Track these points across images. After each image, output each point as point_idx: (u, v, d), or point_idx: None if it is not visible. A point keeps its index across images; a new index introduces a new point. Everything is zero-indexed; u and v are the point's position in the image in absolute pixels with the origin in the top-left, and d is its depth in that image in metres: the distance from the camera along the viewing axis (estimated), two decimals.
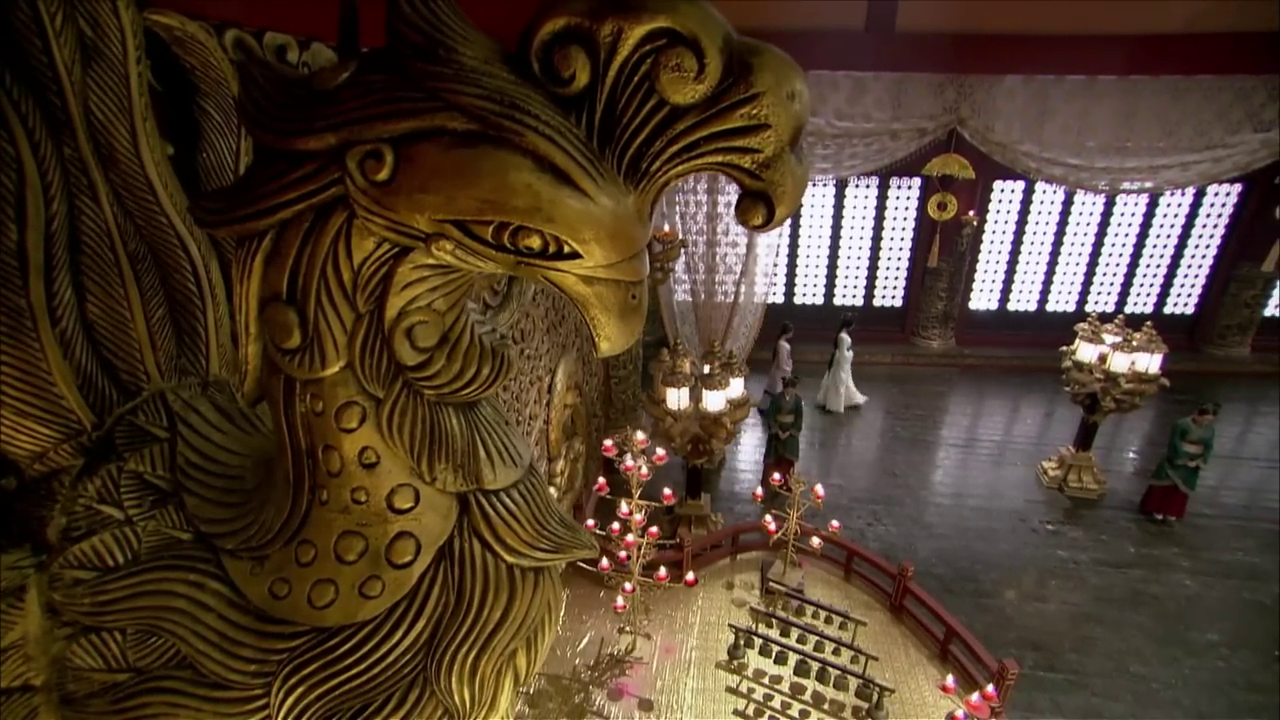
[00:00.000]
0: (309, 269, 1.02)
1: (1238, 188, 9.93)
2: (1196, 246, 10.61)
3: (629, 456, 3.99)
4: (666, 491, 4.05)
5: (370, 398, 1.13)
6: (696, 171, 0.96)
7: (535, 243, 0.94)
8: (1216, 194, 10.13)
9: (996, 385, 10.14)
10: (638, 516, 4.03)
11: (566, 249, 0.95)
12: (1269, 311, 10.70)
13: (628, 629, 4.56)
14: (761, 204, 0.94)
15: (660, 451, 4.15)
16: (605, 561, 4.21)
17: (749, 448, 7.96)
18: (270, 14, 1.69)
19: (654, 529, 4.09)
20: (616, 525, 4.10)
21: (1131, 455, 8.22)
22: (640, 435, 4.07)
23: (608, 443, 4.19)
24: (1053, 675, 5.02)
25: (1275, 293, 10.60)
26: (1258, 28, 5.02)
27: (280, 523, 1.22)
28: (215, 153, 1.43)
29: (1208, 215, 10.36)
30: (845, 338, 8.90)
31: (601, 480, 4.34)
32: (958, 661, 4.33)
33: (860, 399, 9.14)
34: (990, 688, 3.68)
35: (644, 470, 4.01)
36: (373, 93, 0.91)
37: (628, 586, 4.15)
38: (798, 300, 11.19)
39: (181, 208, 1.37)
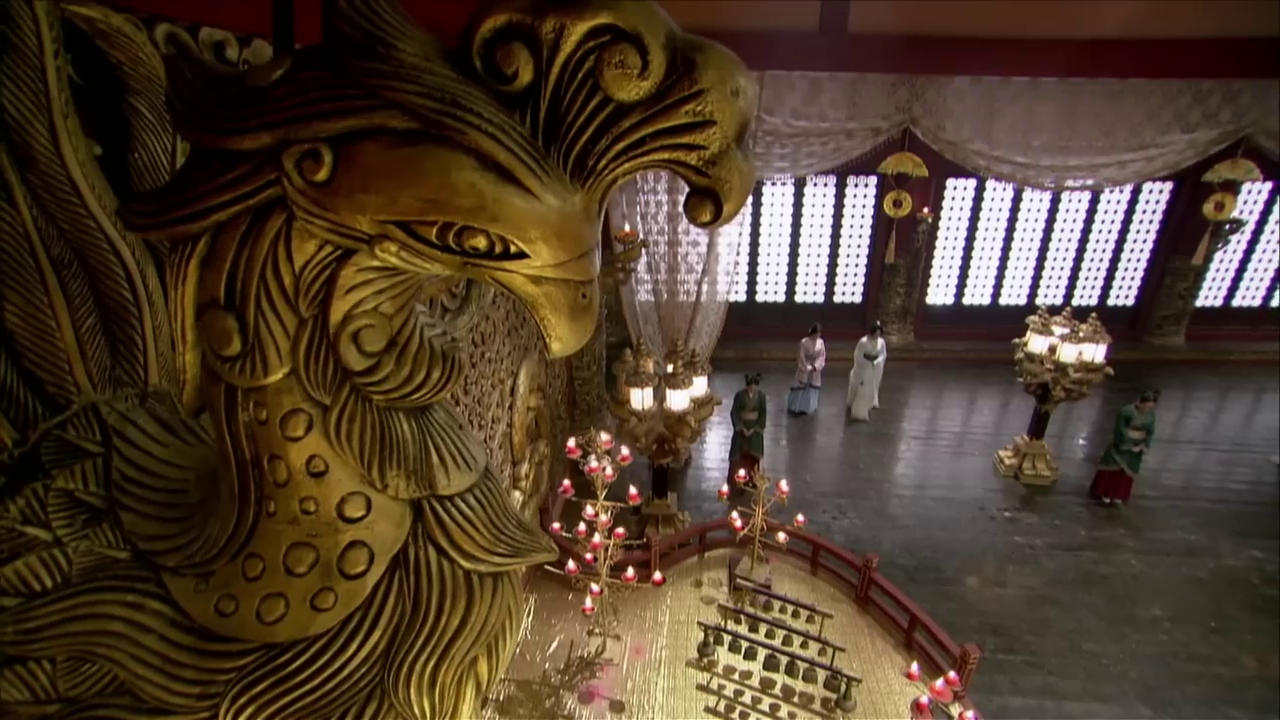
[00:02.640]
0: (247, 273, 0.99)
1: (1170, 185, 10.44)
2: (1134, 241, 11.11)
3: (593, 458, 3.97)
4: (632, 491, 4.05)
5: (316, 405, 1.10)
6: (644, 169, 0.96)
7: (481, 243, 0.93)
8: (1151, 191, 10.63)
9: (954, 378, 10.43)
10: (603, 518, 4.02)
11: (513, 249, 0.94)
12: (1200, 302, 11.26)
13: (597, 631, 4.54)
14: (709, 201, 0.95)
15: (625, 452, 4.14)
16: (572, 564, 4.18)
17: (715, 446, 8.01)
18: (207, 8, 1.63)
19: (620, 530, 4.08)
20: (583, 527, 4.08)
21: (1081, 442, 8.55)
22: (604, 436, 4.06)
23: (571, 444, 4.17)
24: (1012, 657, 5.18)
25: (1205, 284, 11.17)
26: (1184, 34, 5.30)
27: (226, 536, 1.18)
28: (148, 152, 1.37)
29: (1144, 211, 10.86)
30: (880, 342, 8.58)
31: (566, 482, 4.32)
32: (922, 649, 4.43)
33: (863, 415, 8.92)
34: (953, 673, 3.78)
35: (609, 471, 4.00)
36: (309, 90, 0.89)
37: (595, 588, 4.13)
38: (759, 298, 11.32)
39: (111, 210, 1.31)
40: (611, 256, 6.32)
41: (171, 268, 1.01)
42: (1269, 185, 10.31)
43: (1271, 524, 6.78)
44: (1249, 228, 10.74)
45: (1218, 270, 11.18)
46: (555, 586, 4.90)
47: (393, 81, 0.87)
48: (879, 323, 8.74)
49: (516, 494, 4.87)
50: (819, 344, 8.40)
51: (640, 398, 5.08)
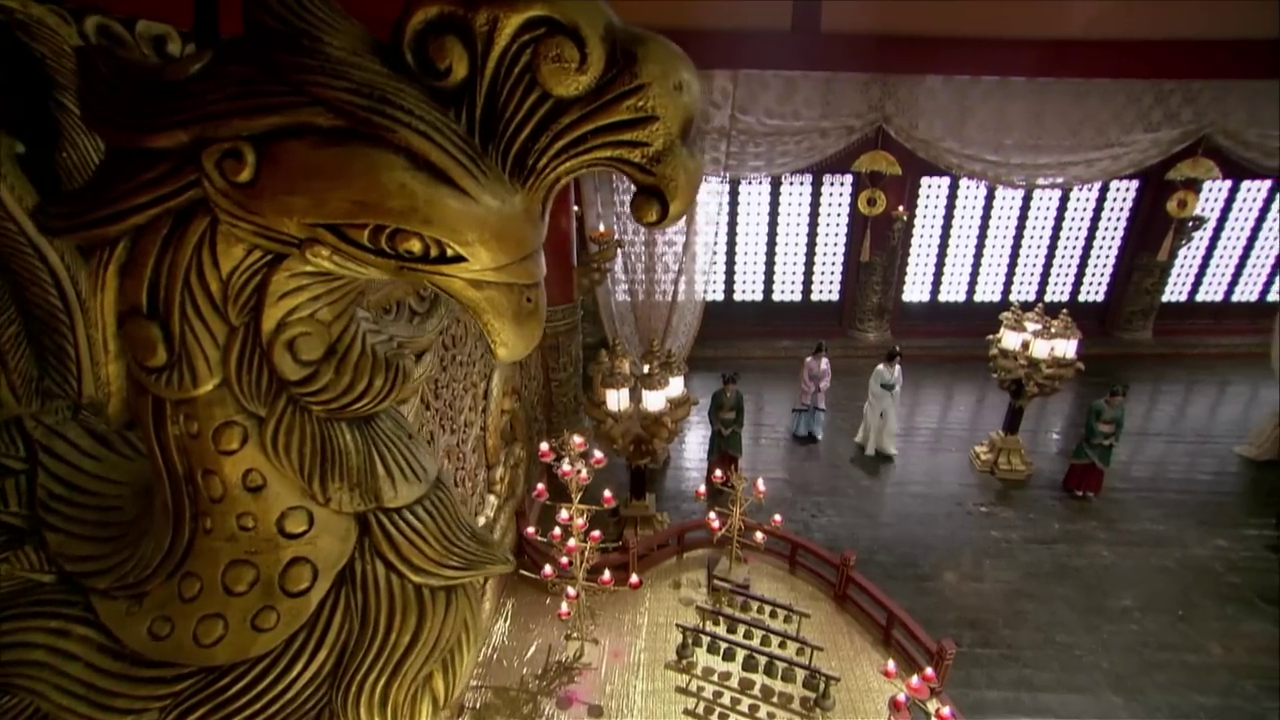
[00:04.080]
0: (170, 280, 0.93)
1: (1135, 183, 10.67)
2: (1103, 238, 11.33)
3: (566, 461, 3.93)
4: (607, 495, 4.01)
5: (251, 416, 1.05)
6: (587, 167, 0.92)
7: (415, 246, 0.89)
8: (1118, 189, 10.85)
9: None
10: (579, 521, 3.97)
11: (450, 252, 0.90)
12: (1166, 297, 11.52)
13: (575, 635, 4.50)
14: (655, 200, 0.92)
15: (599, 454, 4.10)
16: (548, 569, 4.13)
17: (694, 446, 8.00)
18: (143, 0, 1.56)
19: (596, 533, 4.04)
20: (558, 531, 4.03)
21: (1054, 436, 8.67)
22: (578, 439, 4.02)
23: (544, 447, 4.12)
24: (988, 651, 5.22)
25: (1170, 280, 11.43)
26: (1145, 36, 5.40)
27: (160, 556, 1.12)
28: (78, 151, 1.31)
29: (1111, 209, 11.08)
30: (898, 369, 7.70)
31: (540, 486, 4.27)
32: (900, 645, 4.45)
33: (893, 449, 7.92)
34: (929, 670, 3.79)
35: (583, 474, 3.96)
36: (229, 86, 0.84)
37: (571, 592, 4.09)
38: (738, 297, 11.36)
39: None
40: (587, 257, 6.27)
41: (90, 274, 0.96)
42: (1228, 183, 10.60)
43: (1235, 513, 6.94)
44: (1211, 225, 11.01)
45: (1182, 266, 11.45)
46: (532, 591, 4.85)
47: (318, 77, 0.83)
48: (898, 349, 7.79)
49: (492, 498, 4.81)
50: (824, 363, 7.78)
51: (616, 399, 5.04)
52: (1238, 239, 11.36)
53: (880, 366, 7.70)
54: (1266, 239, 11.30)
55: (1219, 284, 11.77)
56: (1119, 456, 7.33)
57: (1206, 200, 10.55)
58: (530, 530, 4.32)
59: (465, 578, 1.28)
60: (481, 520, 4.59)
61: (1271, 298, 11.16)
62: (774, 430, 8.69)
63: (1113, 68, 5.69)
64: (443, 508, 1.27)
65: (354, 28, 0.87)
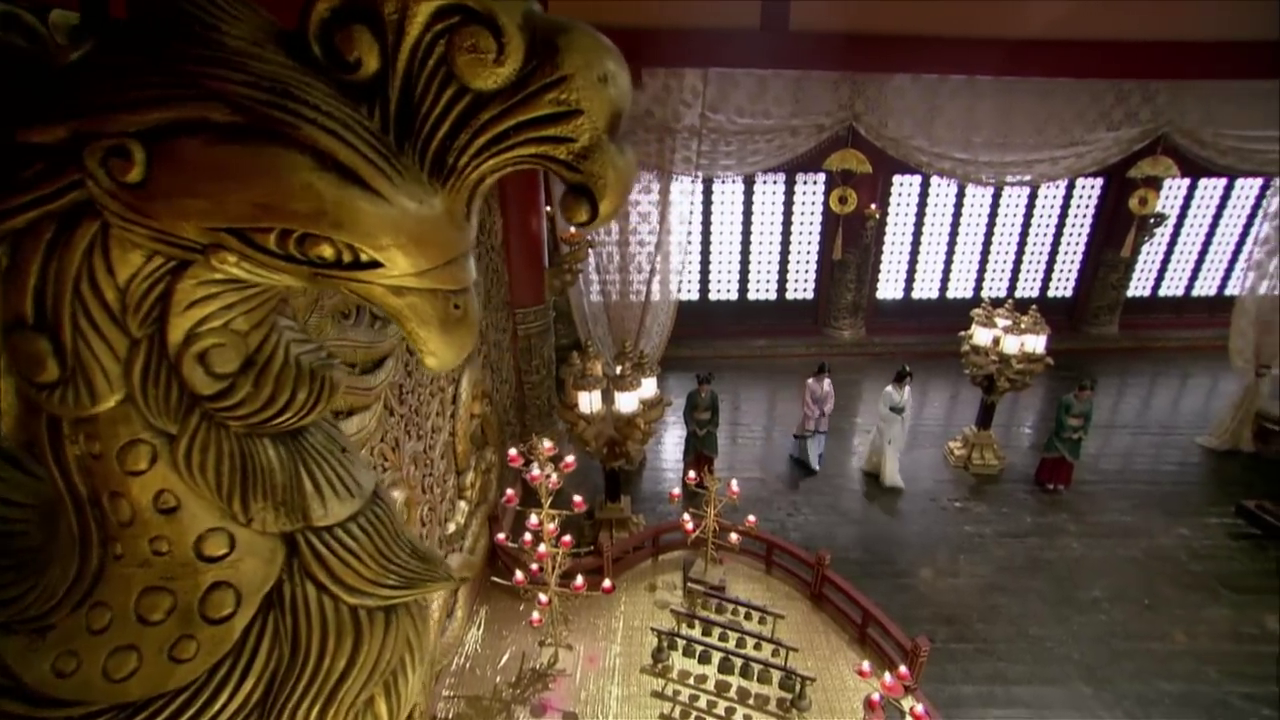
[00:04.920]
0: (58, 289, 0.86)
1: (1099, 181, 10.89)
2: (1070, 235, 11.54)
3: (535, 466, 3.87)
4: (576, 499, 3.95)
5: (160, 434, 0.98)
6: (513, 166, 0.87)
7: (327, 251, 0.83)
8: (1083, 187, 11.06)
9: None
10: (550, 526, 3.91)
11: (364, 257, 0.84)
12: (1130, 293, 11.78)
13: (549, 641, 4.44)
14: (584, 198, 0.87)
15: (569, 458, 4.04)
16: (520, 575, 4.06)
17: (671, 446, 7.96)
18: None
19: (567, 538, 3.98)
20: (528, 537, 3.97)
21: (1026, 430, 8.80)
22: (547, 443, 3.96)
23: (513, 452, 4.05)
24: (963, 646, 5.26)
25: (1134, 276, 11.69)
26: (1105, 36, 5.51)
27: (67, 585, 1.05)
28: None
29: (1077, 206, 11.29)
30: (908, 391, 7.12)
31: (510, 492, 4.19)
32: (876, 644, 4.46)
33: (898, 482, 7.25)
34: (903, 668, 3.80)
35: (553, 479, 3.89)
36: (112, 76, 0.77)
37: (543, 599, 4.03)
38: (713, 297, 11.35)
39: None
40: (559, 258, 6.21)
41: None
42: (1187, 181, 10.87)
43: (1197, 502, 7.10)
44: (1171, 221, 11.28)
45: (1145, 262, 11.71)
46: (506, 598, 4.78)
47: (213, 68, 0.76)
48: (907, 369, 7.12)
49: (462, 504, 4.72)
50: (826, 384, 7.17)
51: (588, 401, 4.99)
52: (1196, 235, 11.65)
53: (889, 388, 7.08)
54: (1223, 235, 11.61)
55: (1180, 279, 12.06)
56: (1088, 449, 7.46)
57: (1166, 198, 10.81)
58: (501, 536, 4.25)
59: (405, 596, 1.22)
60: (452, 527, 4.51)
61: (1229, 292, 11.45)
62: (750, 429, 8.70)
63: (1075, 67, 5.78)
64: (380, 524, 1.21)
65: (255, 16, 0.81)
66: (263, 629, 1.10)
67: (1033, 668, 5.07)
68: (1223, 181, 11.03)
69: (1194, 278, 12.03)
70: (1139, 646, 5.26)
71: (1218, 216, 11.47)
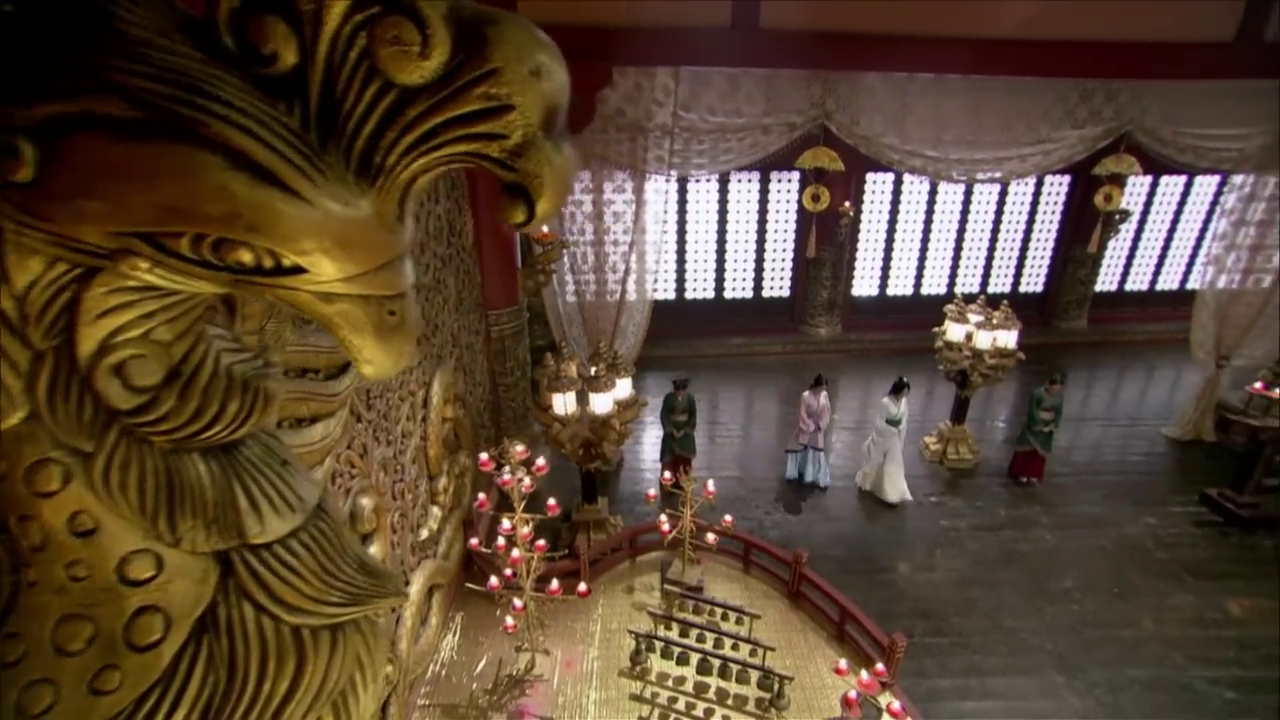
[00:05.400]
0: None
1: (1067, 178, 11.11)
2: (1040, 231, 11.74)
3: (507, 470, 3.81)
4: (550, 502, 3.90)
5: (74, 453, 0.92)
6: (445, 165, 0.83)
7: (246, 257, 0.78)
8: (1051, 184, 11.27)
9: (882, 368, 10.70)
10: (524, 530, 3.86)
11: (286, 262, 0.79)
12: (1098, 287, 12.03)
13: (525, 647, 4.39)
14: (520, 198, 0.83)
15: (540, 462, 3.99)
16: (494, 581, 4.00)
17: (649, 446, 7.94)
18: None
19: (541, 542, 3.93)
20: (502, 541, 3.91)
21: (1000, 424, 8.93)
22: (519, 447, 3.90)
23: (484, 457, 3.99)
24: (939, 640, 5.31)
25: (1101, 271, 11.94)
26: (1070, 36, 5.61)
27: None
28: None
29: (1046, 203, 11.50)
30: (905, 403, 6.84)
31: (482, 496, 4.13)
32: (854, 641, 4.47)
33: (894, 497, 6.88)
34: (880, 665, 3.82)
35: (526, 482, 3.84)
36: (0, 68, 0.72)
37: (517, 604, 3.97)
38: (689, 295, 11.35)
39: None
40: (532, 259, 6.14)
41: None
42: (1149, 178, 11.15)
43: (1163, 492, 7.27)
44: (1135, 218, 11.54)
45: (1111, 257, 11.97)
46: (482, 603, 4.71)
47: (112, 60, 0.71)
48: (904, 380, 6.86)
49: (435, 509, 4.64)
50: (823, 397, 6.83)
51: (563, 403, 4.93)
52: (1159, 231, 11.95)
53: (885, 399, 6.82)
54: (1184, 230, 11.92)
55: (1144, 274, 12.36)
56: (1059, 442, 7.59)
57: (1130, 195, 11.05)
58: (475, 541, 4.18)
59: (351, 614, 1.17)
60: (424, 533, 4.43)
61: (1190, 286, 11.75)
62: (727, 428, 8.71)
63: (1040, 66, 5.87)
64: (324, 539, 1.15)
65: (161, 3, 0.76)
66: (195, 654, 1.04)
67: (1007, 659, 5.14)
68: (1183, 178, 11.32)
69: (1157, 272, 12.33)
70: (1109, 635, 5.36)
71: (1179, 212, 11.77)
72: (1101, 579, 5.96)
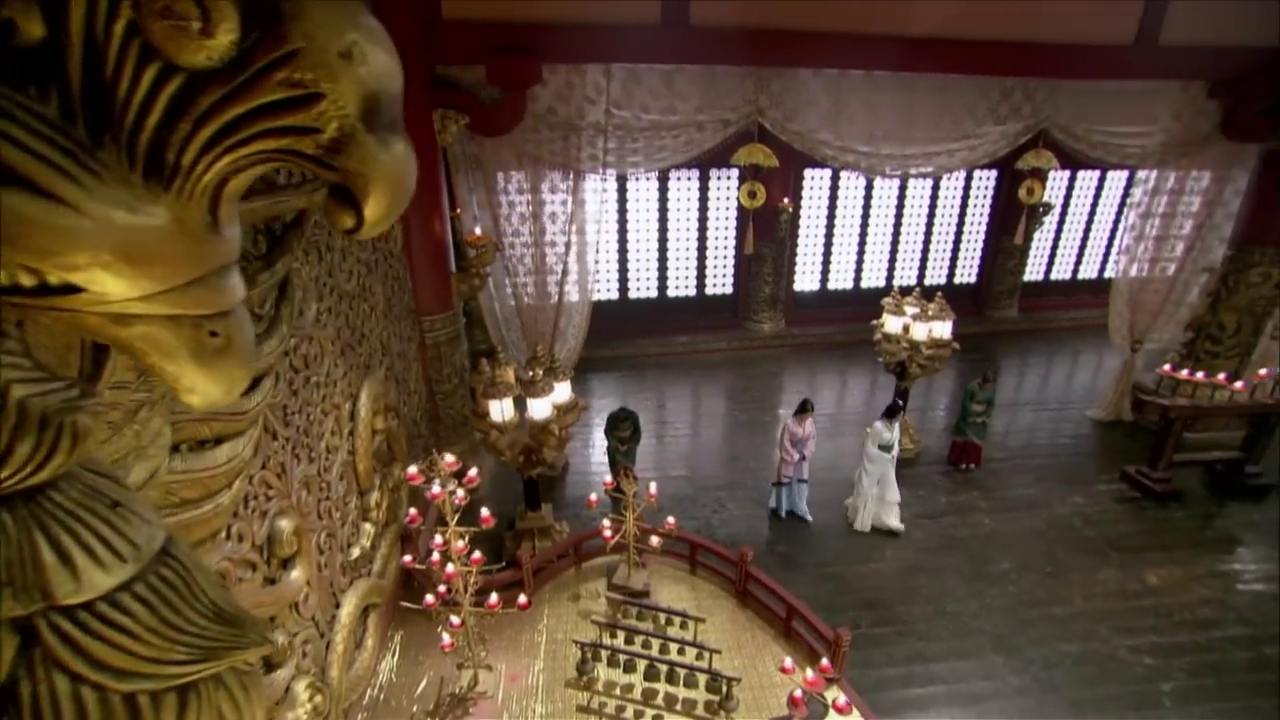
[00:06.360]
0: None
1: (994, 173, 11.56)
2: (971, 224, 12.19)
3: (436, 483, 3.65)
4: (484, 513, 3.76)
5: None
6: (259, 164, 0.72)
7: None
8: (980, 178, 11.72)
9: (825, 361, 10.92)
10: (459, 543, 3.70)
11: (54, 280, 0.66)
12: (1027, 277, 12.58)
13: (467, 664, 4.23)
14: (346, 201, 0.72)
15: (473, 472, 3.84)
16: (430, 598, 3.84)
17: (598, 449, 7.83)
18: None
19: (477, 555, 3.78)
20: (436, 557, 3.75)
21: (940, 413, 9.19)
22: (449, 458, 3.74)
23: (412, 470, 3.81)
24: (885, 629, 5.40)
25: (1029, 262, 12.48)
26: (989, 36, 5.81)
27: None
28: None
29: (976, 197, 11.95)
30: (898, 427, 6.44)
31: (413, 511, 3.96)
32: (800, 637, 4.48)
33: (897, 523, 6.49)
34: (825, 661, 3.82)
35: (459, 494, 3.69)
36: None
37: (455, 621, 3.82)
38: (632, 295, 11.29)
39: None
40: (465, 263, 5.95)
41: None
42: (1067, 173, 11.72)
43: (1088, 471, 7.63)
44: (1056, 210, 12.12)
45: (1037, 249, 12.53)
46: (422, 621, 4.52)
47: None
48: (900, 402, 6.56)
49: (368, 526, 4.42)
50: (809, 424, 6.35)
51: (499, 409, 4.78)
52: (1079, 223, 12.58)
53: (878, 424, 6.36)
54: (1100, 222, 12.58)
55: (1067, 264, 12.99)
56: (996, 429, 7.87)
57: (1051, 189, 11.59)
58: (408, 559, 4.00)
59: (202, 672, 1.03)
60: (356, 551, 4.21)
61: (1108, 275, 12.40)
62: (675, 428, 8.68)
63: (962, 64, 6.06)
64: (168, 588, 1.01)
65: None
66: None
67: (950, 643, 5.27)
68: (1097, 173, 11.95)
69: (1079, 262, 12.97)
70: (1043, 613, 5.56)
71: (1095, 205, 12.42)
72: (1036, 559, 6.19)
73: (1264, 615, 5.58)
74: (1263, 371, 6.92)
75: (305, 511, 3.58)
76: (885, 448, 6.31)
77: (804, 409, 6.34)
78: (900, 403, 6.57)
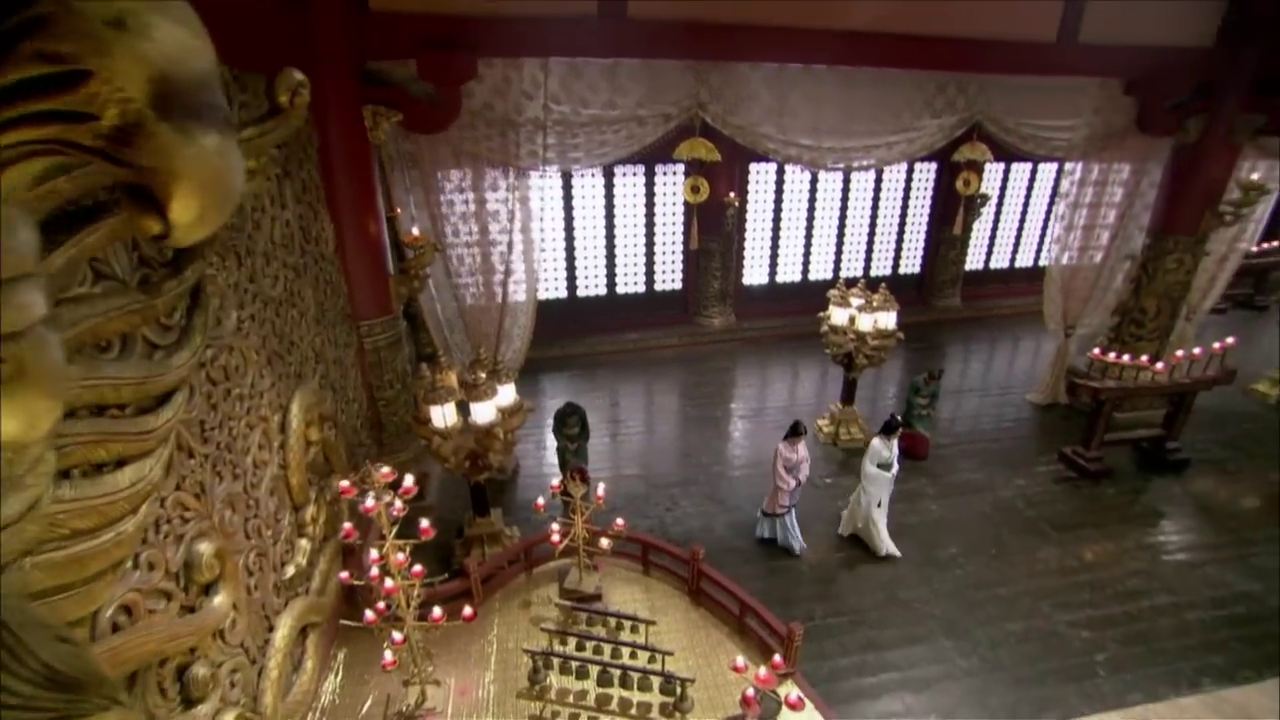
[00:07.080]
0: None
1: (934, 165, 11.87)
2: (914, 216, 12.50)
3: (370, 496, 3.48)
4: (424, 524, 3.61)
5: None
6: (26, 156, 0.60)
7: None
8: (921, 171, 12.02)
9: (775, 354, 11.02)
10: (399, 556, 3.55)
11: None
12: (968, 266, 12.99)
13: (414, 680, 4.07)
14: (149, 204, 0.61)
15: (409, 481, 3.69)
16: (369, 614, 3.67)
17: (549, 451, 7.70)
18: None
19: (418, 568, 3.63)
20: (374, 572, 3.58)
21: (888, 403, 9.38)
22: (384, 469, 3.58)
23: (344, 483, 3.63)
24: (838, 620, 5.46)
25: (969, 252, 12.89)
26: (921, 31, 5.93)
27: None
28: None
29: (917, 189, 12.25)
30: (896, 444, 6.05)
31: (348, 525, 3.77)
32: (754, 633, 4.47)
33: (892, 548, 6.18)
34: (778, 656, 3.81)
35: (397, 505, 3.53)
36: None
37: (396, 637, 3.66)
38: (581, 293, 11.16)
39: None
40: (403, 264, 5.73)
41: None
42: (1001, 165, 12.15)
43: (1029, 454, 7.91)
44: (993, 201, 12.54)
45: (976, 239, 12.94)
46: (366, 638, 4.32)
47: None
48: (898, 418, 6.24)
49: (304, 541, 4.21)
50: (802, 448, 5.95)
51: (441, 415, 4.62)
52: (1014, 213, 13.06)
53: (875, 441, 6.01)
54: (1034, 213, 13.09)
55: (1005, 253, 13.47)
56: (943, 415, 8.05)
57: (987, 180, 11.99)
58: (344, 575, 3.82)
59: None
60: (291, 569, 3.99)
61: (1042, 263, 12.91)
62: (628, 426, 8.62)
63: (897, 58, 6.16)
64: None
65: None
66: None
67: (901, 630, 5.36)
68: (1029, 165, 12.41)
69: (1015, 251, 13.46)
70: (989, 594, 5.73)
71: (1029, 196, 12.90)
72: (981, 542, 6.37)
73: (1185, 583, 5.89)
74: (1179, 354, 7.29)
75: (230, 532, 3.37)
76: (884, 466, 5.97)
77: (796, 431, 5.92)
78: (898, 418, 6.26)
